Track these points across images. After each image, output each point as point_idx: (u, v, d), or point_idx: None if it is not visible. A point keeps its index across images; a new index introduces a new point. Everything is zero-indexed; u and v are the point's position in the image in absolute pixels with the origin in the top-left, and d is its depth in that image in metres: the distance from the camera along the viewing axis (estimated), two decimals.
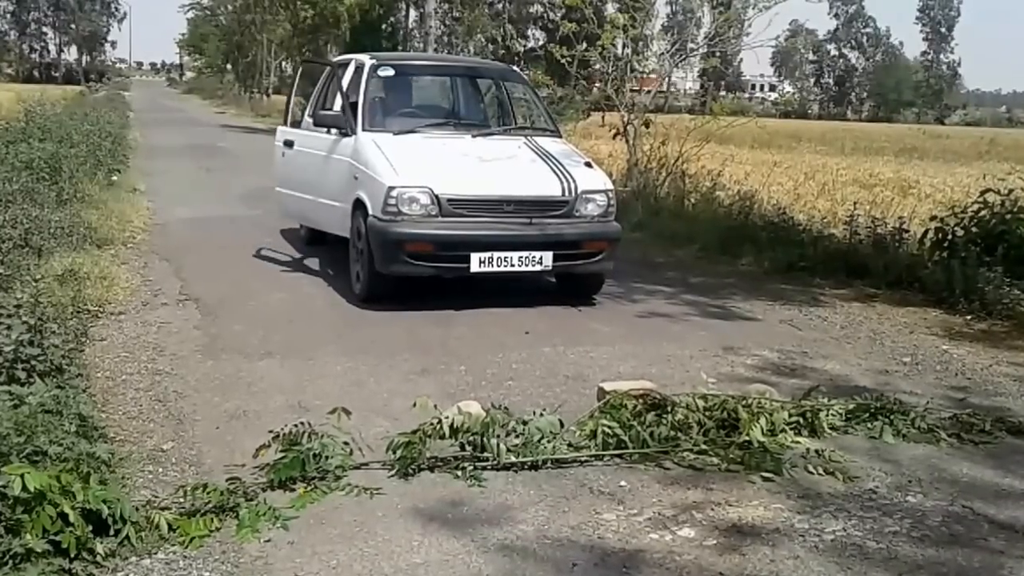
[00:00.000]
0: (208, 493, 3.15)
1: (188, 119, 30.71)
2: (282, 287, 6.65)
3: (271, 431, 3.52)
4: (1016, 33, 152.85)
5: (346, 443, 3.51)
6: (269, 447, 3.45)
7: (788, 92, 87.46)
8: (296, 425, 3.52)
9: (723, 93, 50.65)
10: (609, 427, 3.79)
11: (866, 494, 3.51)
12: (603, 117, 13.47)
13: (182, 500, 3.15)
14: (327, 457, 3.43)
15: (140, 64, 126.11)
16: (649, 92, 12.36)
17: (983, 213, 7.65)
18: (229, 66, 52.27)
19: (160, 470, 3.51)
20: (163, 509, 3.02)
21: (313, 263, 7.51)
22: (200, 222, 9.23)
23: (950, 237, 7.70)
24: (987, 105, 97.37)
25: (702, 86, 23.00)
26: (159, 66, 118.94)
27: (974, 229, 7.60)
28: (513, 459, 3.58)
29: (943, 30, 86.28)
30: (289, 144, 7.82)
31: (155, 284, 6.49)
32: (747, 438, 3.81)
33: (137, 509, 2.95)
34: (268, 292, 6.44)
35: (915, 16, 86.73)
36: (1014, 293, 6.58)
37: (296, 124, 8.33)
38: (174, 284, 6.53)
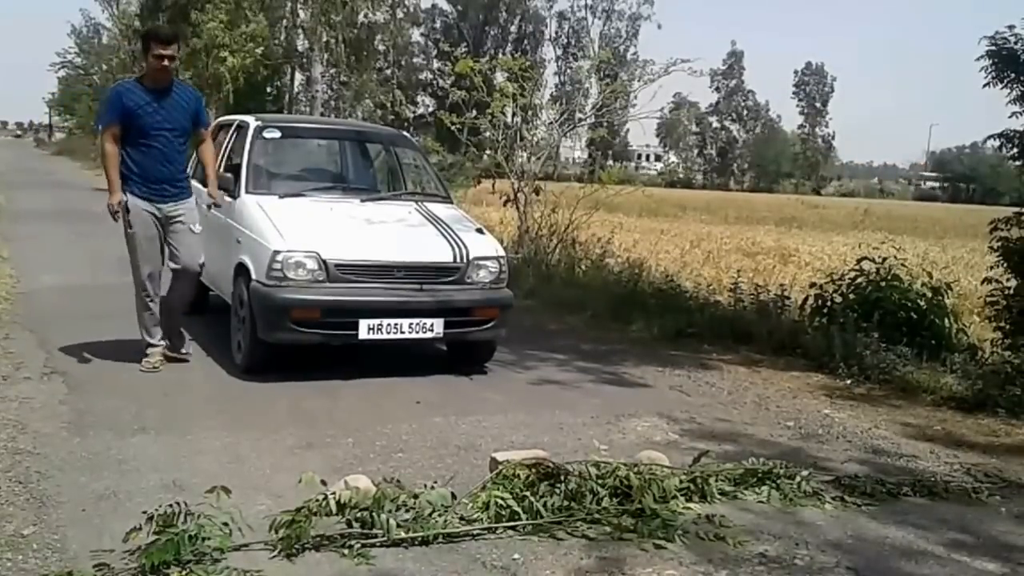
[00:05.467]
0: None
1: (58, 182, 29.55)
2: None
3: (144, 512, 3.31)
4: (885, 108, 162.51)
5: (225, 523, 3.31)
6: (141, 530, 3.23)
7: (673, 162, 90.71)
8: (171, 505, 3.31)
9: (611, 162, 52.09)
10: (502, 498, 3.72)
11: (756, 558, 3.52)
12: (493, 184, 13.58)
13: None
14: (204, 539, 3.22)
15: (5, 124, 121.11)
16: (539, 159, 12.54)
17: (860, 280, 7.97)
18: None
19: (20, 558, 3.23)
20: None
21: (192, 333, 7.20)
22: (69, 290, 8.79)
23: (829, 303, 7.99)
24: (860, 176, 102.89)
25: (590, 155, 23.56)
26: (25, 126, 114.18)
27: (851, 296, 7.91)
28: (403, 535, 3.45)
29: (818, 104, 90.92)
30: None
31: (16, 357, 6.06)
32: (639, 505, 3.79)
33: None
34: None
35: (791, 91, 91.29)
36: (890, 358, 6.84)
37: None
38: (39, 356, 6.13)
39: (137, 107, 5.67)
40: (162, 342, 6.05)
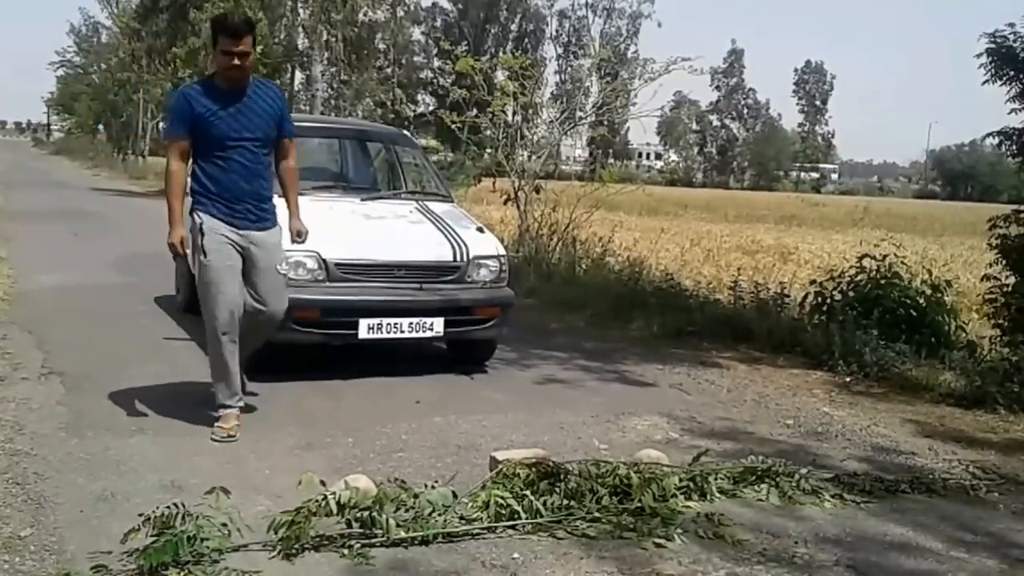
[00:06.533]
0: None
1: (57, 182, 29.58)
2: (156, 358, 6.32)
3: (141, 513, 3.29)
4: (885, 106, 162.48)
5: (224, 524, 3.29)
6: (139, 531, 3.21)
7: (673, 160, 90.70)
8: (169, 506, 3.30)
9: (611, 161, 52.08)
10: (502, 498, 3.71)
11: (755, 557, 3.51)
12: (494, 183, 13.58)
13: None
14: (203, 539, 3.21)
15: (3, 123, 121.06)
16: (540, 158, 12.53)
17: (860, 277, 7.96)
18: (101, 127, 50.87)
19: (17, 559, 3.22)
20: None
21: (191, 332, 7.20)
22: (67, 290, 8.77)
23: (828, 301, 7.98)
24: (860, 175, 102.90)
25: (591, 153, 23.57)
26: (24, 126, 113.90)
27: (851, 293, 7.90)
28: (403, 534, 3.44)
29: (818, 103, 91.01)
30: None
31: (14, 357, 6.04)
32: (639, 504, 3.78)
33: None
34: (141, 364, 6.09)
35: (792, 89, 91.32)
36: (889, 355, 6.84)
37: None
38: (36, 357, 6.11)
39: (210, 113, 4.62)
40: (240, 403, 4.88)
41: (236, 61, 4.59)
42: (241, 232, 4.71)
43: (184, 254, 4.75)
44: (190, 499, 3.41)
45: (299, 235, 5.01)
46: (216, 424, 4.72)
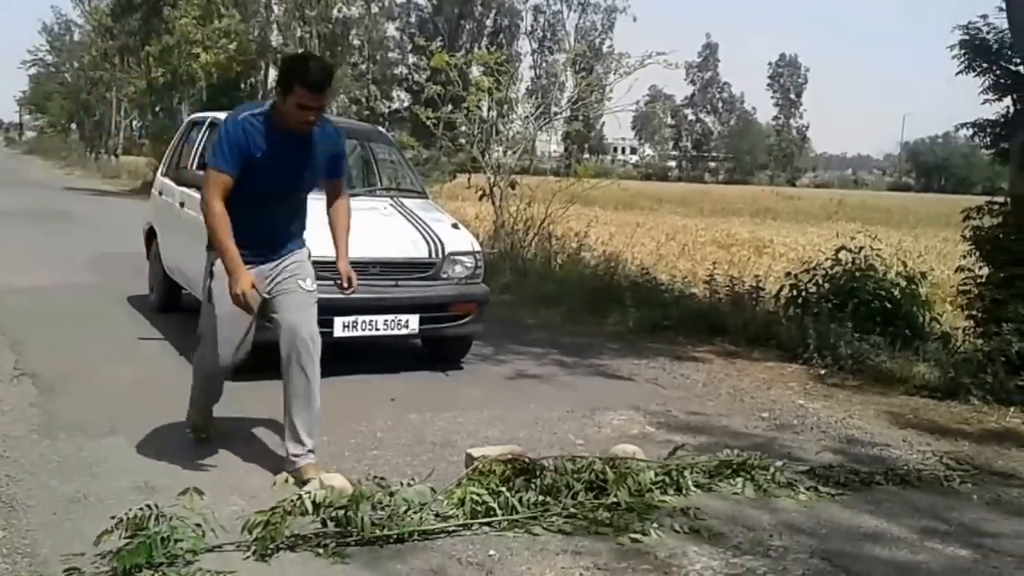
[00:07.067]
0: None
1: (29, 181, 29.28)
2: (130, 359, 6.28)
3: (115, 515, 3.25)
4: (858, 100, 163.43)
5: (198, 525, 3.27)
6: (112, 532, 3.18)
7: (648, 155, 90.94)
8: (143, 508, 3.27)
9: (586, 156, 52.14)
10: (477, 494, 3.71)
11: (730, 550, 3.53)
12: (469, 178, 13.57)
13: None
14: (177, 541, 3.18)
15: None
16: (515, 153, 12.53)
17: (836, 270, 8.00)
18: (74, 126, 50.41)
19: None
20: None
21: (164, 332, 7.16)
22: (39, 290, 8.67)
23: (803, 294, 8.02)
24: (834, 168, 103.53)
25: (566, 149, 23.59)
26: None
27: (826, 286, 7.94)
28: (378, 533, 3.43)
29: (792, 96, 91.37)
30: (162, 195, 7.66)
31: None
32: (615, 500, 3.80)
33: None
34: (115, 364, 6.05)
35: (766, 83, 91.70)
36: (864, 347, 6.88)
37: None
38: (8, 358, 6.05)
39: (265, 158, 3.89)
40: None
41: (312, 118, 3.89)
42: (260, 266, 4.05)
43: (252, 308, 3.97)
44: (163, 500, 3.38)
45: (349, 283, 4.27)
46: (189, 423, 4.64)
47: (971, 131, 7.58)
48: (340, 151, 4.25)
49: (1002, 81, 7.19)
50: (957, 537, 3.81)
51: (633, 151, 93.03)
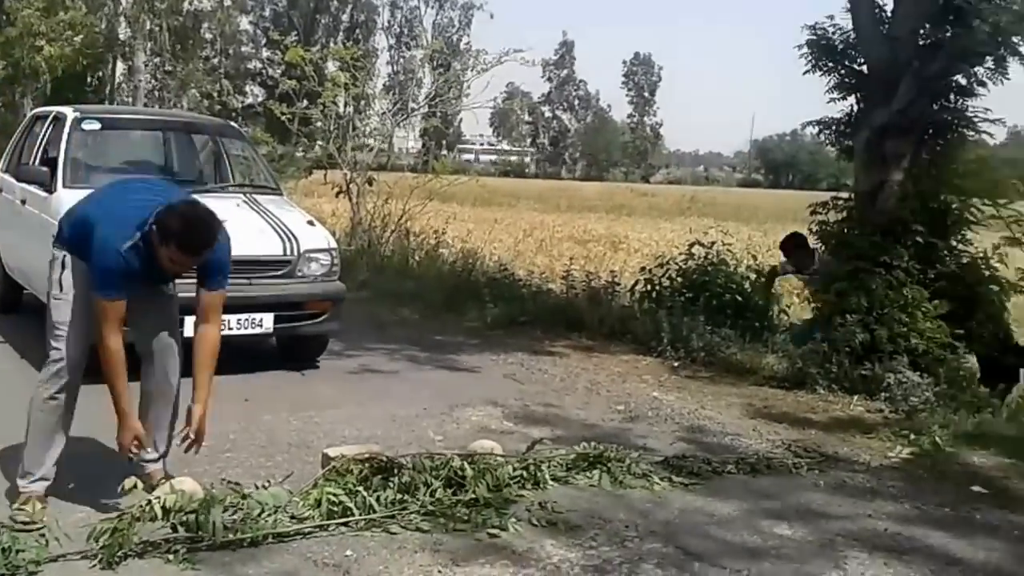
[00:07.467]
0: None
1: None
2: None
3: None
4: (710, 98, 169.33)
5: (42, 535, 3.16)
6: None
7: (505, 150, 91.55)
8: None
9: (444, 152, 52.12)
10: (334, 495, 3.67)
11: (586, 542, 3.60)
12: (325, 175, 13.37)
13: None
14: (19, 551, 3.05)
15: None
16: (371, 150, 12.42)
17: (689, 265, 8.24)
18: None
19: None
20: None
21: (6, 333, 6.75)
22: None
23: (657, 288, 8.24)
24: (687, 165, 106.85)
25: (424, 145, 23.51)
26: None
27: (679, 280, 8.17)
28: (231, 537, 3.34)
29: (646, 94, 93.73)
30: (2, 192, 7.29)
31: None
32: (473, 495, 3.82)
33: None
34: None
35: (621, 80, 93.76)
36: (715, 340, 7.11)
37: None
38: None
39: (140, 271, 3.63)
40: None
41: (183, 271, 3.76)
42: None
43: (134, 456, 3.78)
44: (2, 511, 3.20)
45: (197, 435, 3.80)
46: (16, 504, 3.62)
47: (817, 129, 7.84)
48: (223, 262, 3.82)
49: (847, 80, 7.48)
50: (804, 522, 3.98)
51: (491, 146, 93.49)
